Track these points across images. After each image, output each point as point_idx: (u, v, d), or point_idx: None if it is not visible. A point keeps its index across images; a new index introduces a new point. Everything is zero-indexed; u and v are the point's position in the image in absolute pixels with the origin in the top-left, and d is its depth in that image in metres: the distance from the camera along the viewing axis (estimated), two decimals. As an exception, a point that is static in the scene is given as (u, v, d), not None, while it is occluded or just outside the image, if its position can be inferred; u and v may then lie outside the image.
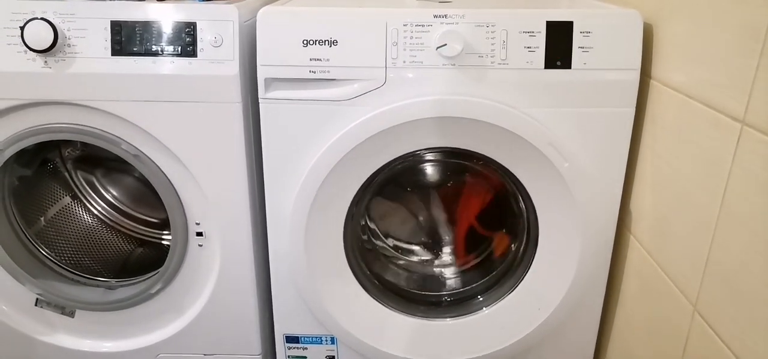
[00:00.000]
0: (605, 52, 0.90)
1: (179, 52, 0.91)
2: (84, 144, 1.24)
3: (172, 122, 0.95)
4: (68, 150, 1.24)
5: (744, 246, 0.70)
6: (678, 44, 0.85)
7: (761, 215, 0.66)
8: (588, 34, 0.90)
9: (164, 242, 1.31)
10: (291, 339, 1.12)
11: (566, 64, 0.91)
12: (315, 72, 0.91)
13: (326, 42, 0.90)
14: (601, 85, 0.92)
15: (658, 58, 0.91)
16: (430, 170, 1.16)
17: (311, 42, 0.90)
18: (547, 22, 0.90)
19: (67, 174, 1.26)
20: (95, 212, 1.30)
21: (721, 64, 0.74)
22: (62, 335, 1.15)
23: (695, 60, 0.80)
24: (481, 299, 1.11)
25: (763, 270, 0.66)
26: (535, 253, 1.03)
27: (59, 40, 0.89)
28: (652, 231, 0.94)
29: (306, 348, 1.13)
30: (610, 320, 1.12)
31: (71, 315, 1.14)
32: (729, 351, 0.73)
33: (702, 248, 0.79)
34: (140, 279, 1.13)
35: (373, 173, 0.97)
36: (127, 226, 1.32)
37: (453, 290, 1.17)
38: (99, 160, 1.29)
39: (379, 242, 1.21)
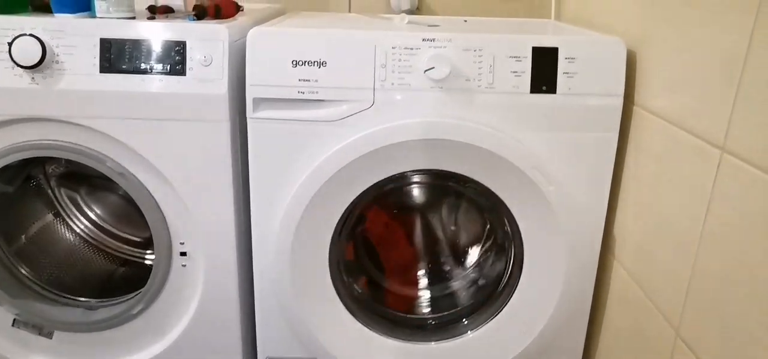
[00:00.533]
0: (589, 78, 0.92)
1: (168, 70, 0.91)
2: (68, 161, 1.22)
3: (159, 140, 0.94)
4: (52, 167, 1.23)
5: (725, 271, 0.71)
6: (660, 71, 0.87)
7: (741, 241, 0.67)
8: (573, 60, 0.92)
9: (147, 261, 1.30)
10: (274, 362, 1.11)
11: (551, 89, 0.92)
12: (304, 93, 0.92)
13: (315, 63, 0.91)
14: (586, 111, 0.94)
15: (641, 84, 0.93)
16: (417, 192, 1.16)
17: (300, 63, 0.91)
18: (533, 47, 0.92)
19: (50, 191, 1.25)
20: (78, 230, 1.28)
21: (701, 91, 0.76)
22: (39, 357, 1.12)
23: (677, 87, 0.82)
24: (466, 322, 1.11)
25: (745, 295, 0.67)
26: (520, 276, 1.04)
27: (47, 57, 0.89)
28: (636, 256, 0.95)
29: (289, 371, 1.11)
30: (594, 344, 1.12)
31: (49, 336, 1.12)
32: (711, 375, 0.73)
33: (684, 273, 0.80)
34: (121, 300, 1.11)
35: (360, 194, 0.97)
36: (110, 245, 1.30)
37: (438, 313, 1.16)
38: (83, 177, 1.27)
39: (365, 265, 1.21)
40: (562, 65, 0.92)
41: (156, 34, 0.92)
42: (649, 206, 0.90)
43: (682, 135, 0.81)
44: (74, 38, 0.91)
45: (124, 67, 0.91)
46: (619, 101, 0.94)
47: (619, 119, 0.95)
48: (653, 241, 0.89)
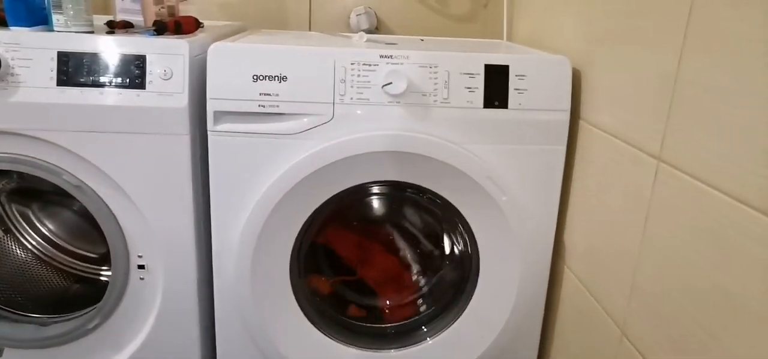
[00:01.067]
0: (538, 94, 0.97)
1: (128, 83, 0.92)
2: (21, 176, 1.20)
3: (118, 153, 0.94)
4: (4, 182, 1.20)
5: (662, 273, 0.76)
6: (603, 88, 0.93)
7: (676, 243, 0.73)
8: (523, 78, 0.97)
9: (102, 278, 1.27)
10: (235, 375, 1.10)
11: (503, 104, 0.97)
12: (264, 106, 0.94)
13: (276, 78, 0.93)
14: (535, 125, 0.99)
15: (586, 100, 0.99)
16: (376, 203, 1.19)
17: (261, 77, 0.93)
18: (486, 65, 0.96)
19: (0, 207, 1.21)
20: (29, 246, 1.25)
21: (639, 106, 0.82)
22: (-12, 376, 1.09)
23: (617, 102, 0.88)
24: (425, 329, 1.14)
25: (682, 295, 0.72)
26: (476, 283, 1.08)
27: (2, 69, 0.88)
28: (584, 261, 1.00)
29: (250, 384, 1.11)
30: (548, 347, 1.16)
31: (0, 353, 1.08)
32: (652, 370, 0.78)
33: (627, 276, 0.85)
34: (76, 315, 1.09)
35: (320, 206, 0.99)
36: (64, 261, 1.27)
37: (398, 321, 1.19)
38: (35, 193, 1.25)
39: (325, 275, 1.22)
40: (512, 82, 0.97)
41: (115, 48, 0.92)
42: (594, 214, 0.96)
43: (622, 147, 0.86)
44: (30, 51, 0.90)
45: (82, 80, 0.91)
46: (566, 116, 0.99)
47: (567, 132, 1.00)
48: (599, 247, 0.94)
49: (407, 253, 1.24)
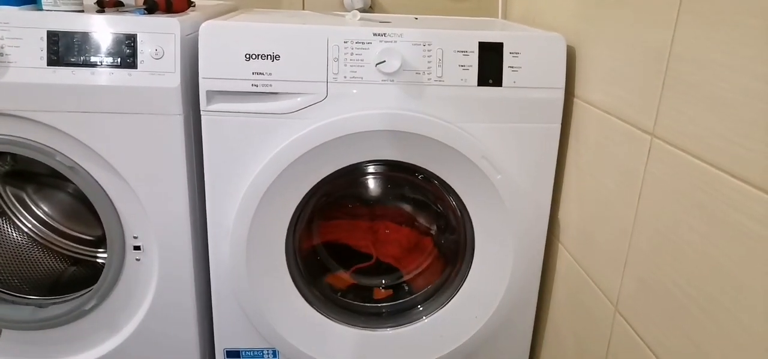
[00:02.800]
0: (533, 71, 0.97)
1: (119, 63, 0.91)
2: (15, 158, 1.19)
3: (110, 133, 0.94)
4: (-3, 164, 1.20)
5: (655, 249, 0.76)
6: (597, 65, 0.93)
7: (669, 219, 0.73)
8: (517, 55, 0.96)
9: (99, 260, 1.28)
10: (232, 354, 1.11)
11: (497, 82, 0.97)
12: (257, 86, 0.93)
13: (268, 56, 0.93)
14: (530, 103, 0.98)
15: (580, 78, 0.99)
16: (371, 183, 1.19)
17: (253, 56, 0.92)
18: (480, 42, 0.96)
19: (-6, 190, 1.21)
20: (25, 229, 1.25)
21: (633, 83, 0.81)
22: (-14, 357, 1.10)
23: (611, 79, 0.88)
24: (420, 308, 1.14)
25: (673, 270, 0.72)
26: (471, 261, 1.08)
27: (-9, 49, 0.88)
28: (578, 239, 1.00)
29: (247, 363, 1.12)
30: (543, 324, 1.17)
31: (-3, 335, 1.09)
32: (645, 345, 0.79)
33: (621, 252, 0.86)
34: (73, 297, 1.10)
35: (315, 186, 0.99)
36: (60, 244, 1.28)
37: (393, 300, 1.19)
38: (30, 175, 1.24)
39: (320, 255, 1.22)
40: (507, 60, 0.96)
41: (105, 26, 0.91)
42: (589, 192, 0.96)
43: (616, 123, 0.86)
44: (20, 31, 0.89)
45: (72, 60, 0.90)
46: (561, 94, 0.99)
47: (561, 110, 1.00)
48: (593, 224, 0.94)
49: (403, 232, 1.25)
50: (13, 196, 1.24)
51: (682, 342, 0.71)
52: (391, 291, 1.21)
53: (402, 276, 1.23)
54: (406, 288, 1.21)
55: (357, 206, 1.21)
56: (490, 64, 0.96)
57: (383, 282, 1.23)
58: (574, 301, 1.02)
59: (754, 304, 0.59)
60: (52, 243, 1.27)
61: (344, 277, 1.22)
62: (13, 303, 1.11)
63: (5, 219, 1.23)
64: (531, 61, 0.97)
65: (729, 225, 0.62)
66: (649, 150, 0.78)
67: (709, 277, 0.66)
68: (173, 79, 0.92)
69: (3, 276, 1.16)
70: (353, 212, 1.21)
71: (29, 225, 1.25)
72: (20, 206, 1.25)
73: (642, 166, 0.79)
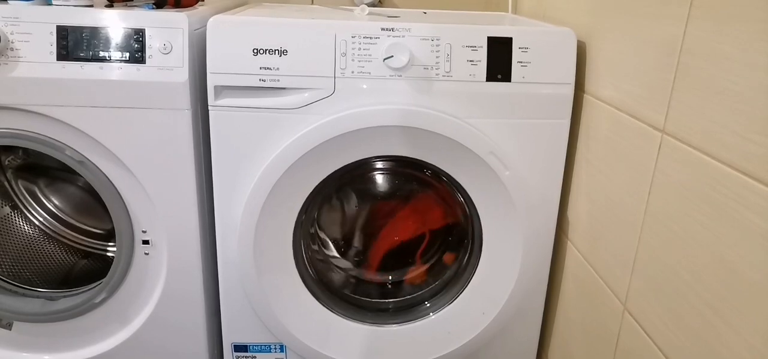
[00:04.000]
0: (542, 67, 0.96)
1: (127, 58, 0.91)
2: (26, 152, 1.20)
3: (119, 128, 0.94)
4: (10, 158, 1.21)
5: (665, 247, 0.75)
6: (607, 60, 0.91)
7: (679, 217, 0.72)
8: (526, 50, 0.95)
9: (109, 253, 1.29)
10: (239, 348, 1.12)
11: (506, 77, 0.96)
12: (265, 80, 0.93)
13: (276, 51, 0.92)
14: (539, 98, 0.97)
15: (590, 73, 0.98)
16: (378, 179, 1.19)
17: (261, 51, 0.92)
18: (489, 37, 0.95)
19: (7, 183, 1.22)
20: (37, 222, 1.26)
21: (643, 78, 0.80)
22: (-2, 348, 1.11)
23: (622, 75, 0.87)
24: (428, 304, 1.14)
25: (683, 268, 0.71)
26: (479, 259, 1.07)
27: (2, 44, 0.88)
28: (587, 236, 0.99)
29: (254, 357, 1.13)
30: (550, 322, 1.17)
31: (8, 327, 1.10)
32: (654, 344, 0.78)
33: (630, 250, 0.85)
34: (83, 289, 1.11)
35: (322, 182, 0.99)
36: (71, 237, 1.29)
37: (400, 296, 1.19)
38: (42, 169, 1.25)
39: (327, 250, 1.23)
40: (516, 55, 0.96)
41: (114, 21, 0.91)
42: (598, 189, 0.95)
43: (626, 120, 0.85)
44: (30, 25, 0.90)
45: (81, 55, 0.91)
46: (570, 89, 0.98)
47: (571, 106, 0.99)
48: (603, 222, 0.93)
49: (410, 229, 1.24)
50: (25, 189, 1.25)
51: (691, 341, 0.70)
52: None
53: (409, 272, 1.22)
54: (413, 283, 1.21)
55: (365, 202, 1.20)
56: (499, 59, 0.95)
57: (391, 277, 1.23)
58: (583, 299, 1.01)
59: (766, 304, 0.58)
60: (63, 237, 1.28)
61: (351, 272, 1.22)
62: (24, 295, 1.12)
63: (17, 213, 1.24)
64: (541, 57, 0.96)
65: (741, 223, 0.61)
66: (660, 147, 0.77)
67: (719, 276, 0.65)
68: (181, 74, 0.92)
69: (15, 269, 1.17)
70: (361, 208, 1.21)
71: (41, 219, 1.27)
72: (32, 199, 1.26)
73: (652, 163, 0.78)
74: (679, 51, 0.72)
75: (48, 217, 1.27)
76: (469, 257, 1.11)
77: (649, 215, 0.80)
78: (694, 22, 0.69)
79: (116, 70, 0.92)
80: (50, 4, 0.94)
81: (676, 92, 0.73)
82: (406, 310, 1.15)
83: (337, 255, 1.22)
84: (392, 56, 0.92)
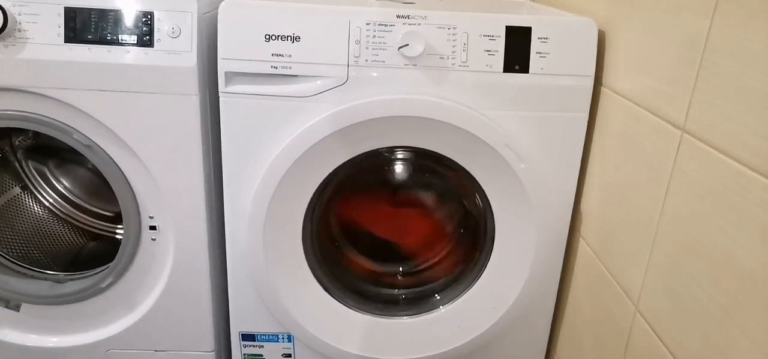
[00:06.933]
0: (562, 58, 0.93)
1: (136, 41, 0.90)
2: (36, 133, 1.20)
3: (126, 112, 0.93)
4: (20, 139, 1.20)
5: (681, 249, 0.73)
6: (627, 53, 0.89)
7: (696, 219, 0.70)
8: (545, 40, 0.93)
9: (118, 236, 1.29)
10: (247, 337, 1.11)
11: (524, 68, 0.93)
12: (277, 67, 0.91)
13: (289, 38, 0.91)
14: (557, 91, 0.95)
15: (609, 65, 0.95)
16: (390, 169, 1.17)
17: (273, 37, 0.90)
18: (507, 26, 0.92)
19: (17, 164, 1.22)
20: (46, 203, 1.26)
21: (664, 73, 0.78)
22: (6, 329, 1.11)
23: (642, 69, 0.84)
24: (438, 297, 1.13)
25: (699, 271, 0.69)
26: (491, 252, 1.06)
27: (9, 25, 0.87)
28: (599, 233, 0.97)
29: (262, 346, 1.12)
30: (561, 318, 1.15)
31: (16, 308, 1.10)
32: (666, 348, 0.76)
33: (644, 250, 0.82)
34: (90, 273, 1.11)
35: (334, 170, 0.97)
36: (80, 219, 1.29)
37: (410, 288, 1.18)
38: (52, 150, 1.25)
39: (337, 241, 1.21)
40: (535, 45, 0.93)
41: (122, 3, 0.90)
42: (613, 185, 0.93)
43: (645, 116, 0.82)
44: (37, 6, 0.88)
45: (89, 37, 0.89)
46: (590, 82, 0.95)
47: (589, 99, 0.96)
48: (616, 219, 0.91)
49: (422, 220, 1.23)
50: (35, 170, 1.25)
51: (704, 348, 0.68)
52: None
53: (420, 264, 1.21)
54: (424, 275, 1.20)
55: (376, 192, 1.19)
56: (517, 49, 0.93)
57: (401, 269, 1.21)
58: (593, 297, 0.99)
59: (789, 315, 0.55)
60: (73, 218, 1.28)
61: (362, 263, 1.21)
62: (33, 277, 1.13)
63: (27, 193, 1.24)
64: (560, 47, 0.93)
65: (761, 229, 0.59)
66: (679, 145, 0.74)
67: (736, 282, 0.62)
68: (190, 59, 0.90)
69: (24, 249, 1.17)
70: (372, 198, 1.19)
71: (50, 199, 1.26)
72: (42, 180, 1.26)
73: (671, 162, 0.76)
74: (703, 46, 0.69)
75: (58, 198, 1.27)
76: (481, 251, 1.09)
77: (665, 215, 0.77)
78: (720, 17, 0.66)
79: (124, 53, 0.90)
80: (59, -15, 0.92)
81: (699, 88, 0.70)
82: (416, 302, 1.14)
83: (348, 246, 1.21)
84: (407, 45, 0.90)
